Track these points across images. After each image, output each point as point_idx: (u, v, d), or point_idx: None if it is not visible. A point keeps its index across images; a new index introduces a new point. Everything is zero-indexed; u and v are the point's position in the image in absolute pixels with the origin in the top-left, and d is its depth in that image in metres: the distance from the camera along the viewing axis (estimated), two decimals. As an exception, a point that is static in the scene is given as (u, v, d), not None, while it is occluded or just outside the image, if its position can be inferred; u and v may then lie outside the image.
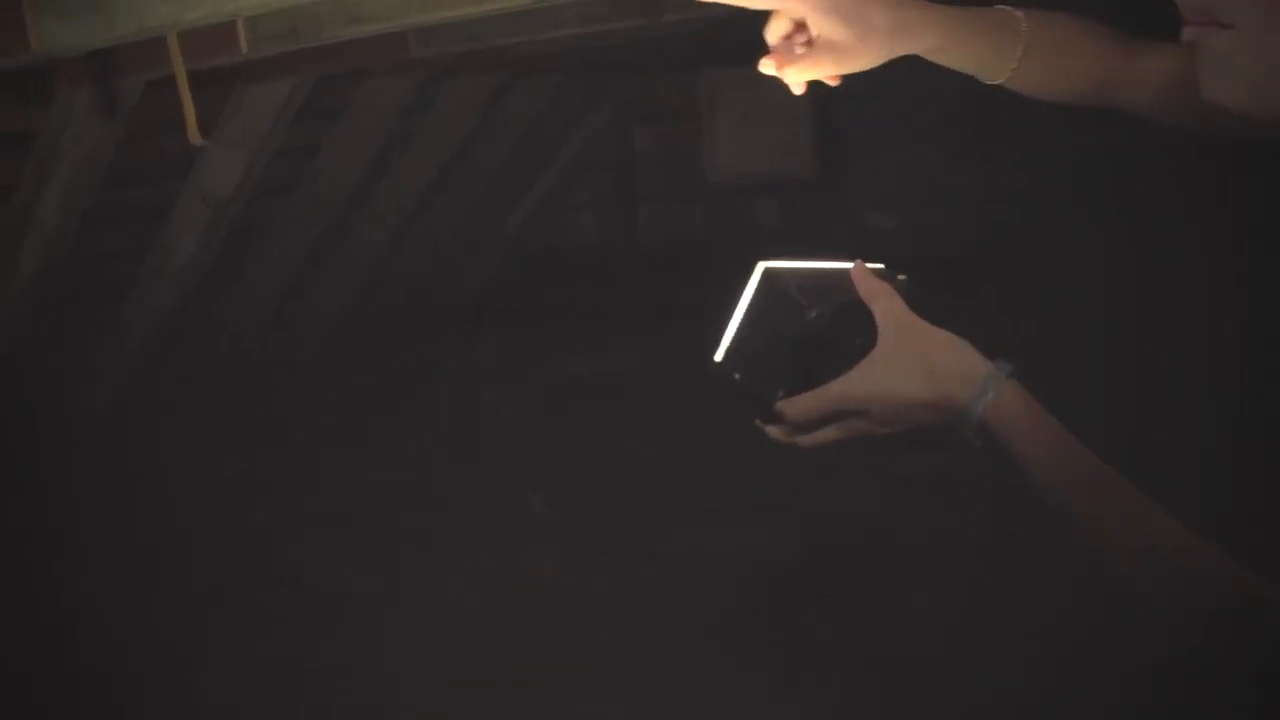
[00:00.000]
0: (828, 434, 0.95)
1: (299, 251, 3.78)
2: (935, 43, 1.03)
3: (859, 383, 0.91)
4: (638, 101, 4.79)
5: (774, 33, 1.01)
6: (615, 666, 3.09)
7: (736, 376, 0.94)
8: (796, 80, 1.01)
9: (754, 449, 3.48)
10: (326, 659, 3.20)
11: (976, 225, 4.40)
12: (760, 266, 0.94)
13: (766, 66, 1.01)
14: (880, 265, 0.96)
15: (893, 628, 3.09)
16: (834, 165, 4.39)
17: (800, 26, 1.00)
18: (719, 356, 0.95)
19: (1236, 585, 0.81)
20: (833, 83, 1.03)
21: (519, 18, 2.72)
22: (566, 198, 5.00)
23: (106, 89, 2.66)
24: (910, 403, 0.90)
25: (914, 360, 0.90)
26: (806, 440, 0.96)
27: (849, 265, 0.94)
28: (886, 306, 0.92)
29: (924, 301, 0.93)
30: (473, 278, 4.97)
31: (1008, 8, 1.08)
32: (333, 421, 4.20)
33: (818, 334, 0.92)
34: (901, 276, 0.94)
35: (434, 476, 4.08)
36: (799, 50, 1.01)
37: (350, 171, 3.63)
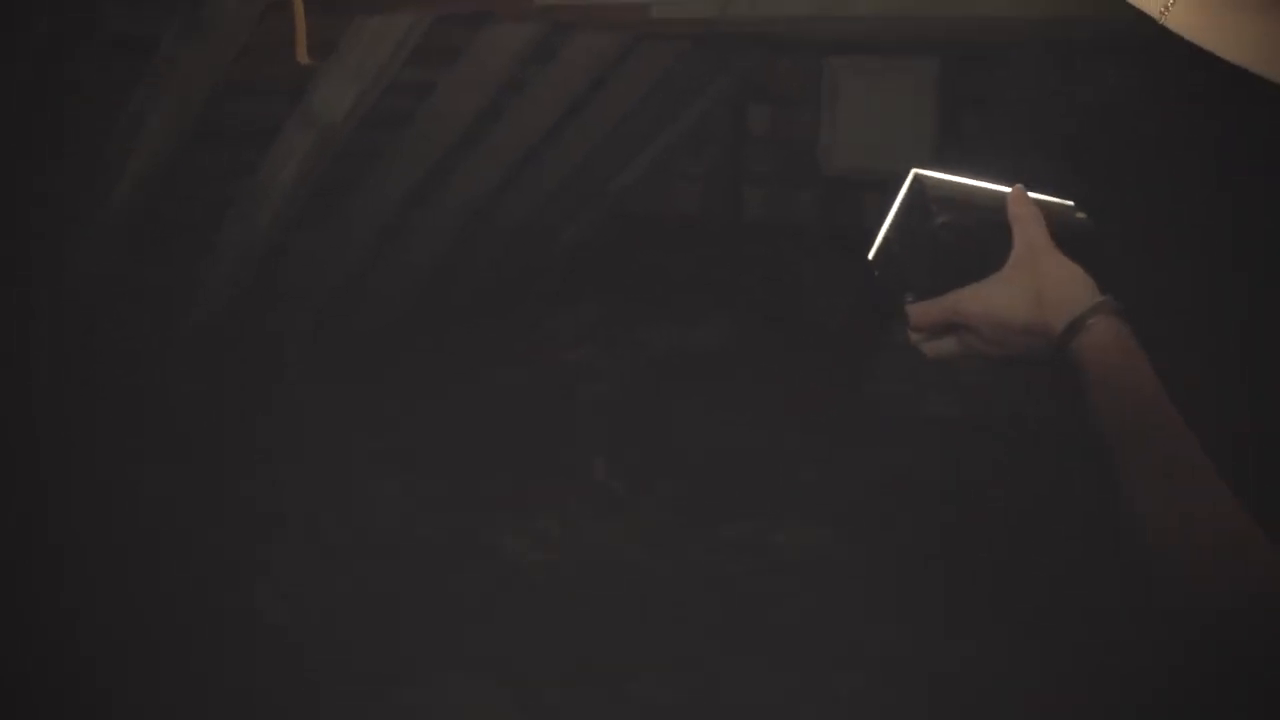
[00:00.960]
0: (947, 345, 0.95)
1: (400, 190, 3.75)
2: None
3: (971, 299, 0.91)
4: (757, 79, 4.68)
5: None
6: (665, 647, 3.05)
7: (876, 274, 0.97)
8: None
9: (837, 444, 3.43)
10: (378, 596, 3.21)
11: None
12: (912, 172, 0.97)
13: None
14: (1069, 202, 0.97)
15: (950, 636, 3.00)
16: (952, 170, 4.24)
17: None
18: (870, 255, 0.98)
19: (1270, 570, 0.76)
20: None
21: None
22: (674, 167, 4.91)
23: (228, 4, 2.65)
24: (1010, 325, 0.89)
25: (1027, 285, 0.89)
26: (929, 348, 0.96)
27: (1004, 189, 0.95)
28: (1026, 230, 0.91)
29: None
30: (570, 236, 4.93)
31: None
32: (414, 371, 4.21)
33: (946, 243, 0.92)
34: (1081, 215, 0.95)
35: (508, 435, 4.06)
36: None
37: (462, 113, 3.59)
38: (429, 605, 3.19)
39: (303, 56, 2.28)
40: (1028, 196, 0.94)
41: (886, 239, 0.97)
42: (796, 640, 3.08)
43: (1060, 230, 0.93)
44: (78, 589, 2.96)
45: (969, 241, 0.93)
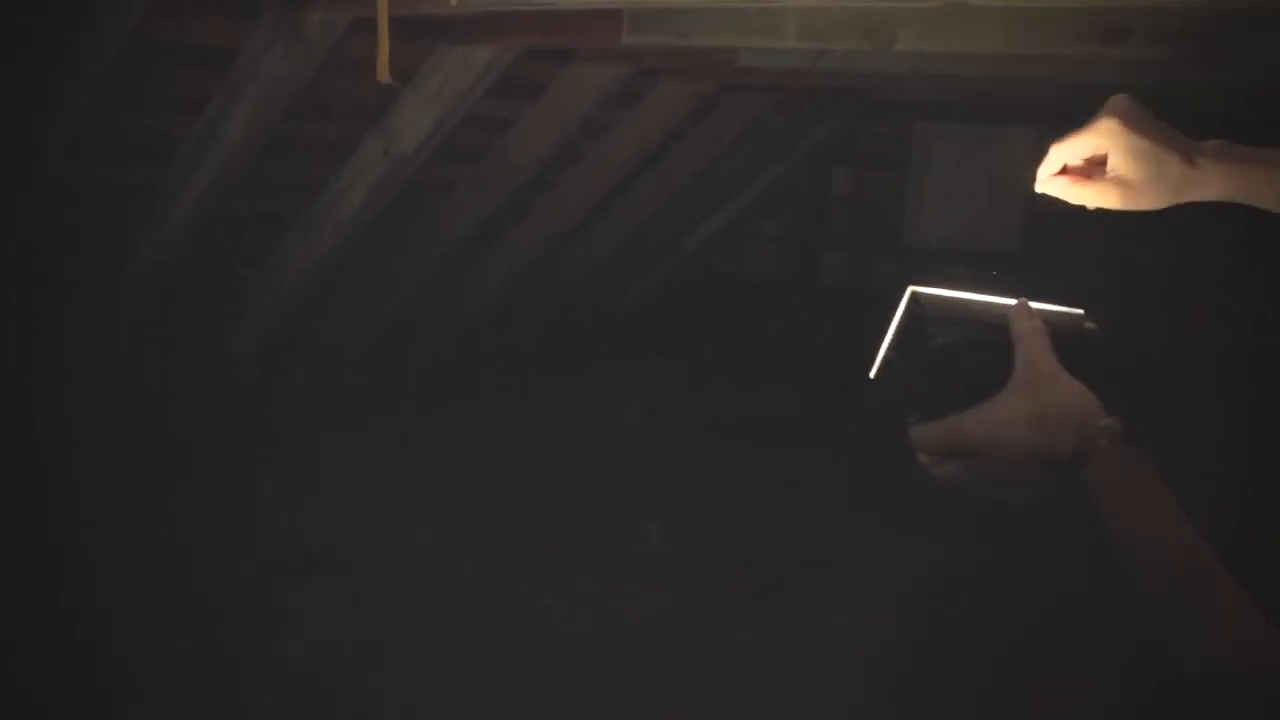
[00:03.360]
0: (954, 469, 0.90)
1: (469, 225, 3.70)
2: (1225, 193, 1.03)
3: (974, 424, 0.88)
4: (844, 140, 4.58)
5: (1071, 154, 1.03)
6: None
7: (879, 394, 0.95)
8: (1077, 199, 1.03)
9: (896, 527, 3.25)
10: (411, 647, 3.10)
11: (1179, 340, 4.03)
12: (909, 290, 0.93)
13: (1051, 185, 1.04)
14: (1078, 310, 0.94)
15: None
16: (1039, 246, 4.11)
17: (1098, 158, 1.03)
18: (872, 373, 0.96)
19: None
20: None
21: (738, 20, 2.58)
22: (752, 226, 4.82)
23: (311, 18, 2.62)
24: (1014, 451, 0.86)
25: (1029, 410, 0.86)
26: (938, 473, 0.92)
27: (1008, 301, 0.91)
28: (1029, 348, 0.89)
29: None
30: (639, 289, 4.84)
31: None
32: (465, 415, 4.12)
33: (945, 364, 0.90)
34: (1090, 324, 0.92)
35: (556, 491, 3.95)
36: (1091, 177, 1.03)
37: (538, 152, 3.53)
38: (461, 658, 3.08)
39: (384, 75, 2.26)
40: (1031, 310, 0.91)
41: (886, 358, 0.95)
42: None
43: (1066, 344, 0.89)
44: (106, 624, 2.90)
45: (969, 361, 0.90)
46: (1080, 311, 0.94)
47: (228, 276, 3.40)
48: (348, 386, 3.86)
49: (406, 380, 4.09)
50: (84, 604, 2.93)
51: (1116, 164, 1.01)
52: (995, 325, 0.90)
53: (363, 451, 3.80)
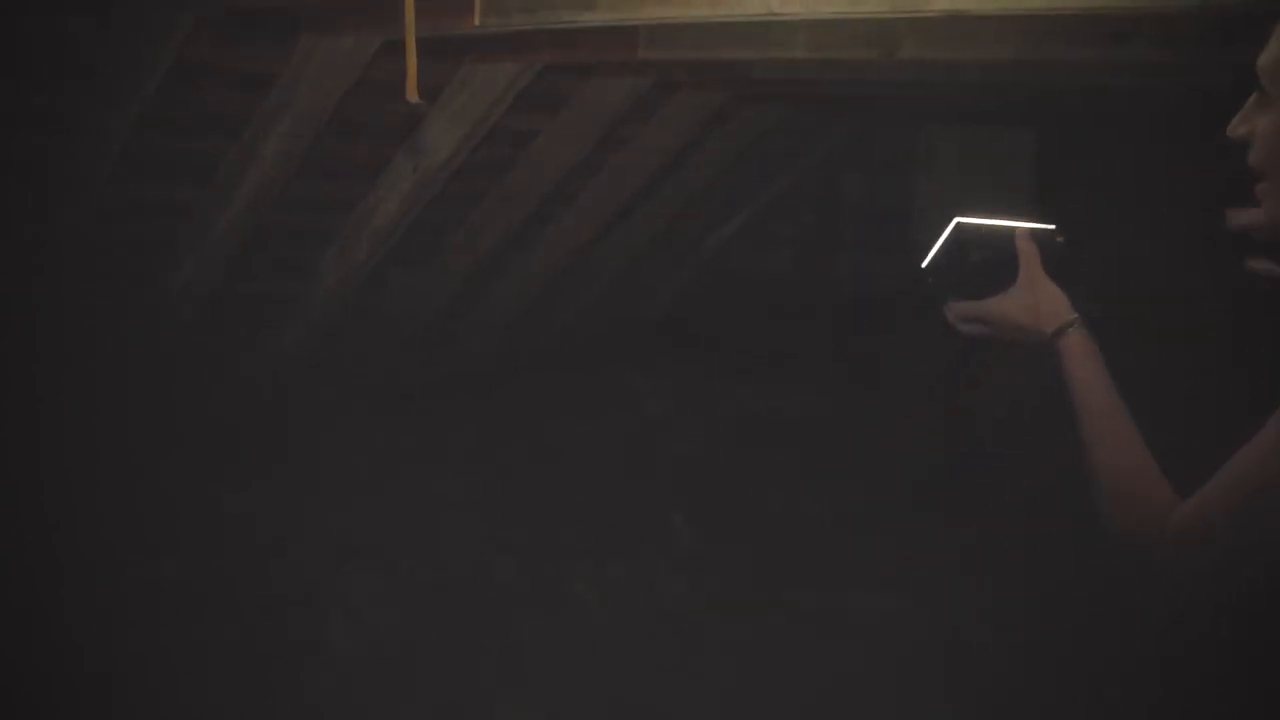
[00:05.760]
0: (974, 329, 1.40)
1: (496, 234, 3.83)
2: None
3: (993, 306, 1.37)
4: (854, 145, 4.70)
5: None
6: (725, 702, 3.01)
7: (930, 281, 1.42)
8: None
9: (919, 513, 3.35)
10: (446, 633, 3.23)
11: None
12: (955, 220, 1.40)
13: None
14: (1052, 226, 1.40)
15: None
16: (1048, 244, 4.19)
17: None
18: (923, 265, 1.42)
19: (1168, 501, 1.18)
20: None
21: (748, 33, 2.70)
22: (768, 229, 4.94)
23: (344, 42, 2.76)
24: (1018, 326, 1.35)
25: (1029, 303, 1.35)
26: (962, 329, 1.40)
27: (1017, 225, 1.39)
28: (1028, 263, 1.36)
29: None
30: (661, 293, 4.97)
31: None
32: (499, 414, 4.25)
33: (977, 270, 1.39)
34: (1060, 239, 1.38)
35: (587, 485, 4.07)
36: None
37: (562, 163, 3.66)
38: (496, 645, 3.20)
39: (413, 95, 2.37)
40: (1029, 235, 1.38)
41: (935, 261, 1.42)
42: (858, 708, 3.01)
43: (1046, 253, 1.38)
44: (147, 610, 3.03)
45: (991, 268, 1.38)
46: (1053, 227, 1.40)
47: (268, 288, 3.55)
48: (385, 388, 4.01)
49: (442, 382, 4.23)
50: (129, 595, 3.07)
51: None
52: (1007, 243, 1.37)
53: (400, 450, 3.94)
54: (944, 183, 4.11)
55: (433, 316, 4.06)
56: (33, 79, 2.72)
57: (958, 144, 4.02)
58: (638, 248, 4.49)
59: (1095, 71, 2.80)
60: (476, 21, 2.46)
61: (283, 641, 3.11)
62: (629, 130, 3.77)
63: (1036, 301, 1.33)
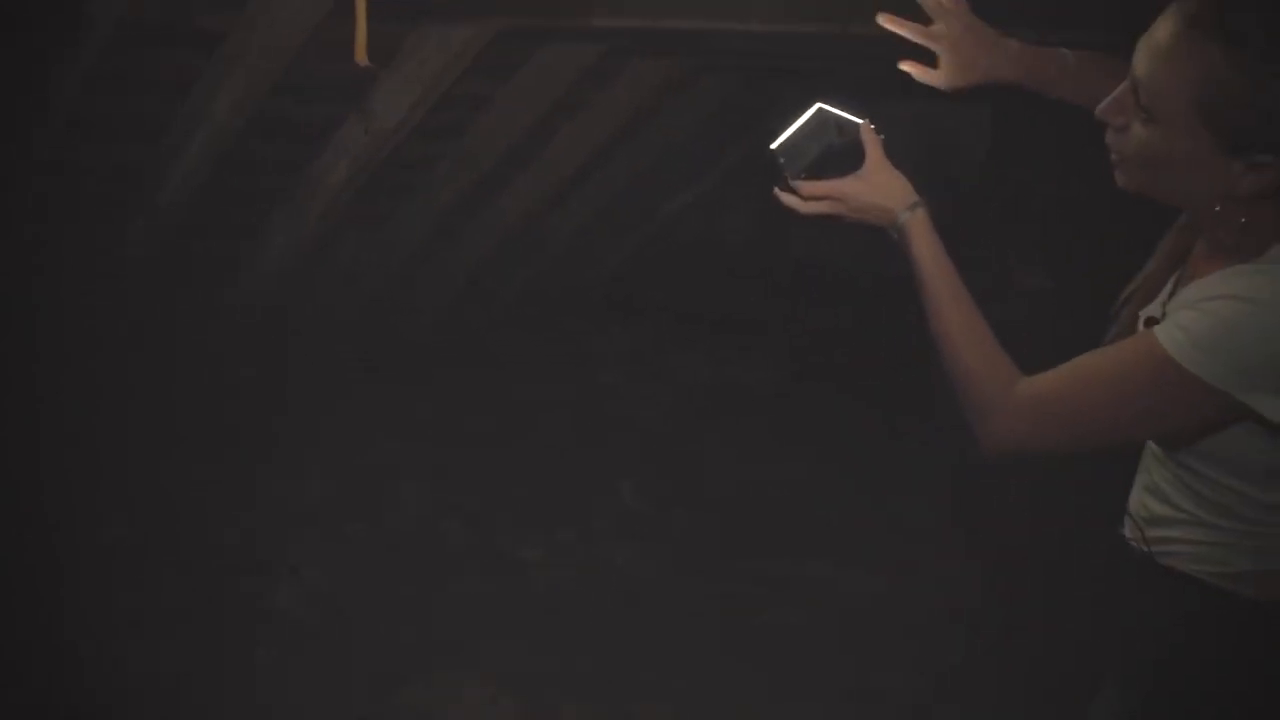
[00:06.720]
0: (819, 206, 1.49)
1: (448, 200, 3.82)
2: (1020, 75, 1.61)
3: (845, 185, 1.47)
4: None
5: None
6: (672, 667, 3.05)
7: (781, 160, 1.49)
8: (922, 79, 1.63)
9: (875, 486, 3.37)
10: (394, 597, 3.25)
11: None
12: (816, 105, 1.50)
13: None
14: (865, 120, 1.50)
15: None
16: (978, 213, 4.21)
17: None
18: (773, 145, 1.50)
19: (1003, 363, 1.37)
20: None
21: (704, 4, 2.70)
22: (724, 197, 4.95)
23: (294, 1, 2.73)
24: (868, 205, 1.46)
25: (879, 183, 1.46)
26: (804, 208, 1.50)
27: (860, 121, 1.50)
28: (873, 149, 1.48)
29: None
30: (615, 259, 4.97)
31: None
32: (450, 379, 4.25)
33: (831, 151, 1.48)
34: (872, 127, 1.48)
35: (537, 449, 4.09)
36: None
37: (515, 129, 3.65)
38: (443, 609, 3.23)
39: (362, 58, 2.34)
40: (870, 127, 1.49)
41: (791, 140, 1.49)
42: (804, 672, 3.07)
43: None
44: (97, 581, 3.03)
45: (841, 150, 1.48)
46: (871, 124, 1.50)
47: (219, 249, 3.52)
48: (336, 352, 3.99)
49: (393, 346, 4.22)
50: (80, 560, 3.07)
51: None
52: (855, 131, 1.48)
53: (350, 414, 3.93)
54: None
55: (385, 281, 4.04)
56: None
57: (907, 116, 4.03)
58: (593, 213, 4.49)
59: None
60: (430, -15, 2.45)
61: (233, 606, 3.12)
62: (583, 97, 3.76)
63: (886, 182, 1.46)
